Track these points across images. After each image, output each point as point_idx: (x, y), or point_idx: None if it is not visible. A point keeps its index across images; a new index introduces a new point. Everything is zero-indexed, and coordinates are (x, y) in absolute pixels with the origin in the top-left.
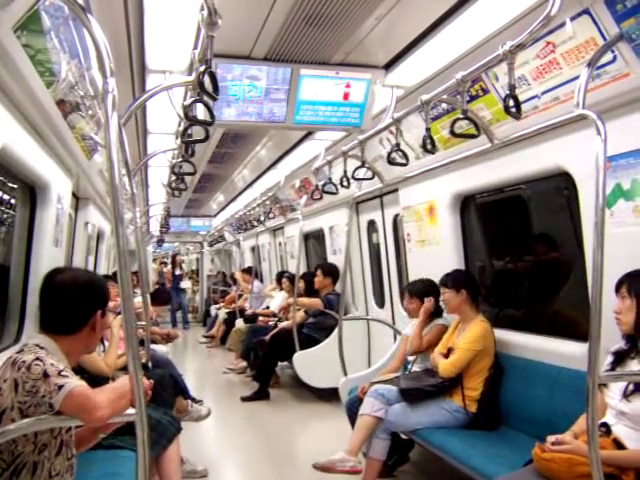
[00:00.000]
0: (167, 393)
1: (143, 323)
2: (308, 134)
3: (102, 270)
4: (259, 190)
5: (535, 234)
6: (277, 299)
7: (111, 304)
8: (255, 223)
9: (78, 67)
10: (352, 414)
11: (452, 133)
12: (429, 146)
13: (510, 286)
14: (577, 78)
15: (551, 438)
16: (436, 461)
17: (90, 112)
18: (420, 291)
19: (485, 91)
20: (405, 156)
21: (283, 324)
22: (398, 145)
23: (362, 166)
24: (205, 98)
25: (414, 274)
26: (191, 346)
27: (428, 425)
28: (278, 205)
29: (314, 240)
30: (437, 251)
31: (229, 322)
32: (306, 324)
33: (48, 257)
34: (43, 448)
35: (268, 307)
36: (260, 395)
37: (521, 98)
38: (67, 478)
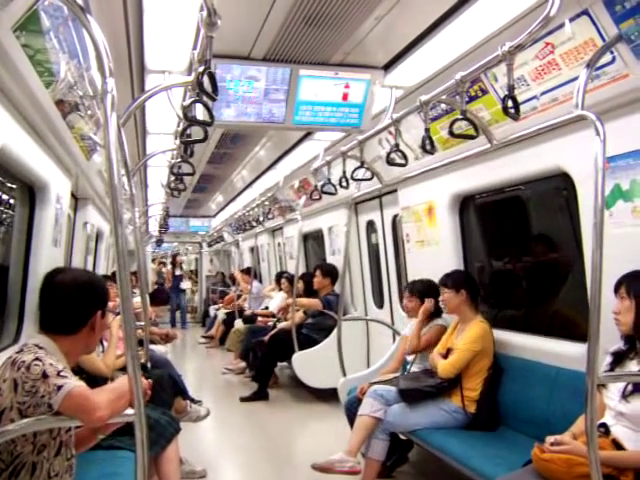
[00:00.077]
0: (166, 393)
1: (142, 323)
2: (307, 134)
3: (101, 270)
4: (258, 190)
5: (534, 235)
6: (276, 299)
7: (110, 304)
8: (254, 223)
9: (77, 67)
10: (351, 414)
11: (451, 134)
12: (428, 146)
13: (509, 287)
14: (576, 79)
15: (550, 439)
16: (435, 462)
17: (89, 112)
18: (420, 290)
19: (484, 92)
20: (404, 156)
21: (282, 324)
22: (397, 145)
23: (361, 166)
24: (204, 98)
25: (413, 274)
26: (190, 346)
27: (427, 426)
28: (277, 205)
29: (313, 240)
30: (436, 252)
31: (228, 322)
32: (305, 324)
33: (47, 257)
34: (42, 448)
35: (267, 307)
36: (259, 395)
37: (520, 99)
38: (66, 478)
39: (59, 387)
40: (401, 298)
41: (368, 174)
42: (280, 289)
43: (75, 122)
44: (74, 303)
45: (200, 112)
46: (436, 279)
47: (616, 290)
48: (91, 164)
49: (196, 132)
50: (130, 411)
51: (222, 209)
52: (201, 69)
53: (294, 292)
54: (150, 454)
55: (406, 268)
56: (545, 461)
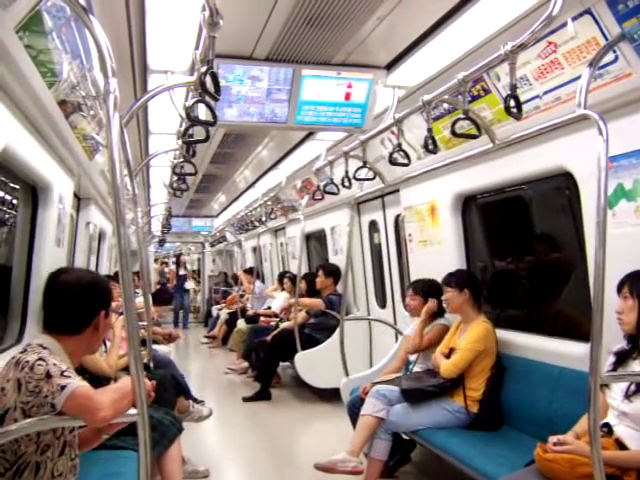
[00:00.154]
0: (169, 393)
1: (144, 323)
2: (309, 134)
3: (104, 270)
4: (261, 190)
5: (536, 234)
6: (278, 299)
7: (113, 304)
8: (257, 223)
9: (80, 67)
10: (353, 414)
11: (453, 133)
12: (431, 146)
13: (511, 286)
14: (579, 78)
15: (553, 438)
16: (437, 461)
17: (92, 112)
18: (423, 289)
19: (487, 91)
20: (407, 156)
21: (284, 324)
22: (400, 145)
23: (363, 166)
24: (207, 98)
25: (416, 274)
26: (193, 346)
27: (429, 425)
28: (280, 205)
29: (315, 240)
30: (439, 251)
31: (231, 322)
32: (307, 324)
33: (50, 257)
34: (46, 448)
35: (269, 307)
36: (261, 395)
37: (523, 98)
38: (70, 479)
39: (62, 387)
40: (404, 298)
41: (370, 174)
42: (282, 289)
43: (78, 122)
44: (78, 303)
45: (202, 112)
46: (439, 279)
47: (619, 290)
48: (94, 164)
49: (198, 132)
50: (133, 411)
51: (225, 209)
52: (204, 69)
53: (297, 292)
54: (153, 454)
55: (408, 268)
56: (548, 461)
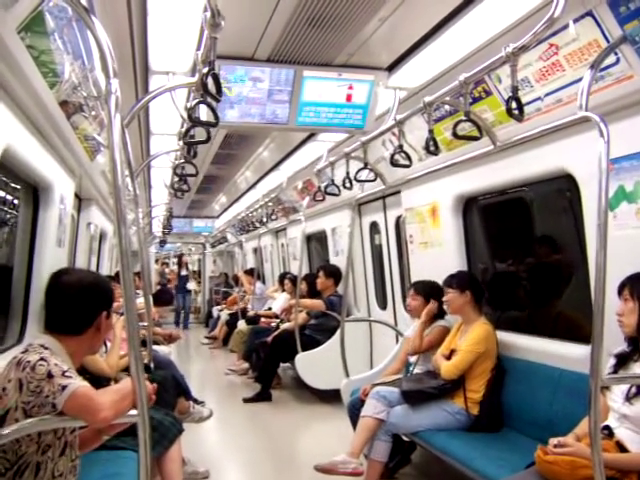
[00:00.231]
0: (169, 394)
1: (145, 324)
2: (311, 135)
3: (105, 271)
4: (262, 191)
5: (537, 236)
6: (279, 300)
7: (114, 305)
8: (257, 224)
9: (81, 68)
10: (354, 416)
11: (455, 135)
12: (432, 148)
13: (512, 288)
14: (580, 80)
15: (553, 440)
16: (438, 463)
17: (93, 113)
18: (425, 290)
19: (488, 93)
20: (408, 158)
21: (285, 325)
22: (401, 147)
23: (365, 167)
24: (208, 99)
25: (416, 276)
26: (193, 347)
27: (430, 427)
28: (281, 206)
29: (316, 241)
30: (440, 253)
31: (231, 323)
32: (308, 325)
33: (51, 257)
34: (47, 449)
35: (270, 308)
36: (262, 396)
37: (524, 100)
38: (70, 479)
39: (64, 387)
40: (404, 299)
41: (372, 175)
42: (283, 290)
43: (79, 123)
44: (80, 304)
45: (204, 113)
46: (439, 280)
47: (620, 292)
48: (95, 165)
49: (199, 133)
50: (133, 412)
51: (225, 210)
52: (205, 70)
53: (297, 293)
54: (153, 455)
55: (409, 269)
56: (548, 463)
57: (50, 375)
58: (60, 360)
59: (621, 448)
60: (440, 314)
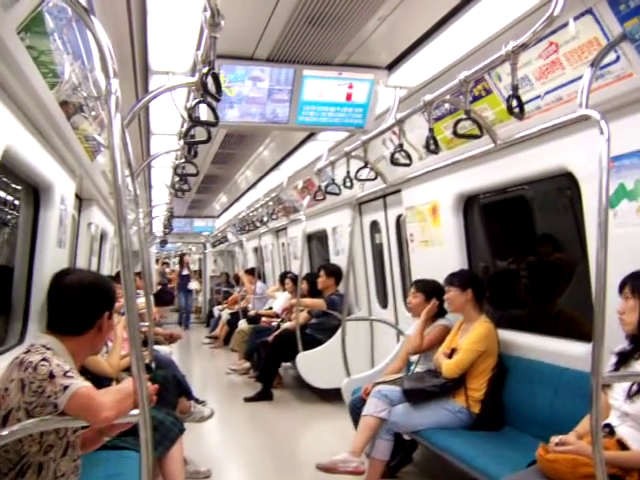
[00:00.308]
0: (170, 394)
1: (146, 324)
2: (311, 135)
3: (105, 271)
4: (262, 191)
5: (538, 234)
6: (280, 300)
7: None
8: (258, 224)
9: (81, 68)
10: (355, 415)
11: (455, 133)
12: (432, 146)
13: (513, 286)
14: (580, 78)
15: (555, 439)
16: (439, 462)
17: (93, 113)
18: (425, 288)
19: (488, 91)
20: (408, 156)
21: (286, 325)
22: (401, 145)
23: (365, 167)
24: (208, 99)
25: (417, 274)
26: (194, 347)
27: (431, 426)
28: (281, 206)
29: (317, 241)
30: (440, 251)
31: (232, 323)
32: (309, 325)
33: (52, 258)
34: (49, 449)
35: (271, 308)
36: (263, 396)
37: (524, 98)
38: (72, 479)
39: (65, 387)
40: (405, 298)
41: (372, 174)
42: (284, 289)
43: (79, 123)
44: (82, 304)
45: (204, 113)
46: (440, 279)
47: (621, 290)
48: (95, 165)
49: (200, 133)
50: (135, 412)
51: (226, 210)
52: (205, 70)
53: (298, 292)
54: (154, 454)
55: (410, 268)
56: (550, 461)
57: (52, 375)
58: (62, 360)
59: (622, 446)
60: (441, 313)
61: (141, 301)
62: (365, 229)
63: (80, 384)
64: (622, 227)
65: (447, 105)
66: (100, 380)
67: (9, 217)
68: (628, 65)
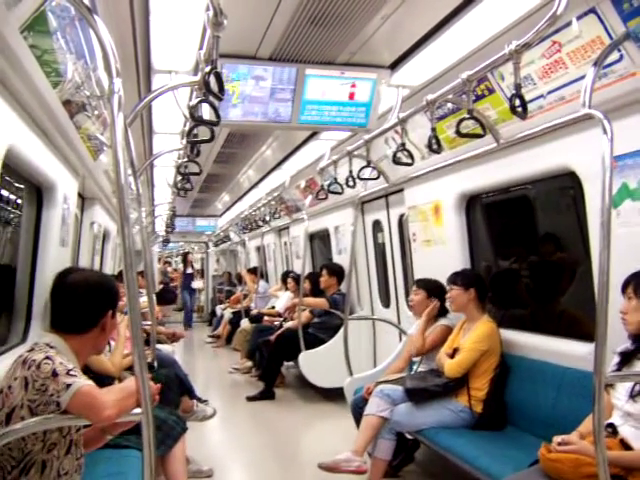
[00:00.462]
0: (173, 393)
1: (149, 323)
2: (313, 134)
3: (108, 270)
4: (264, 190)
5: (541, 234)
6: (282, 299)
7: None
8: (260, 223)
9: (84, 67)
10: (357, 414)
11: (458, 133)
12: (435, 146)
13: (516, 286)
14: (583, 77)
15: (557, 438)
16: (441, 461)
17: (96, 112)
18: (427, 286)
19: (491, 91)
20: (410, 156)
21: (288, 324)
22: (403, 145)
23: (367, 166)
24: (211, 98)
25: (419, 274)
26: (197, 346)
27: (433, 425)
28: (283, 205)
29: (319, 240)
30: (443, 251)
31: (235, 322)
32: (311, 324)
33: (54, 257)
34: (52, 447)
35: (273, 307)
36: (265, 395)
37: (527, 98)
38: (75, 478)
39: (68, 385)
40: (407, 297)
41: (374, 173)
42: (286, 288)
43: (82, 122)
44: (86, 303)
45: (207, 112)
46: (442, 278)
47: (623, 290)
48: (98, 164)
49: (202, 132)
50: (137, 410)
51: (228, 209)
52: (207, 69)
53: (300, 291)
54: (157, 454)
55: (412, 267)
56: (552, 461)
57: (55, 373)
58: (65, 359)
59: (625, 446)
60: (442, 312)
61: (143, 300)
62: (367, 228)
63: (83, 382)
64: (625, 226)
65: (449, 104)
66: (102, 379)
67: (12, 216)
68: (631, 64)
